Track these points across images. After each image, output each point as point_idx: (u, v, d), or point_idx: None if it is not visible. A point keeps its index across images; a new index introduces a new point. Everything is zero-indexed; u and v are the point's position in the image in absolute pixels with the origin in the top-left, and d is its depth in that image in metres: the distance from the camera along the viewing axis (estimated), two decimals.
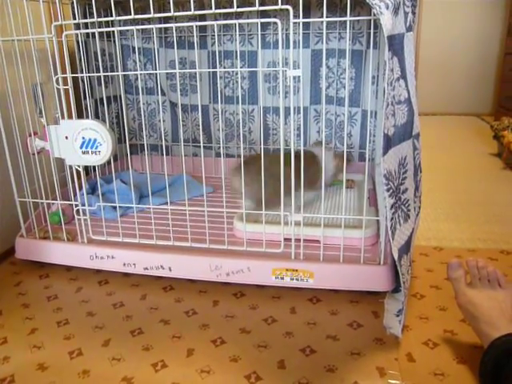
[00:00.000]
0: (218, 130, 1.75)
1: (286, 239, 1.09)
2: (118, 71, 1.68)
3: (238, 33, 0.96)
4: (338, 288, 1.08)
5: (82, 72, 1.46)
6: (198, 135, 1.76)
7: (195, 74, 1.68)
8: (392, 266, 1.04)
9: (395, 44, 0.82)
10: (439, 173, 2.09)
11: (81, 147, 1.09)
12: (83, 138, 1.08)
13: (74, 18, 1.44)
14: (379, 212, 1.26)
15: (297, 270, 1.06)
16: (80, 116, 1.46)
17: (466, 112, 3.74)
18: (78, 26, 1.38)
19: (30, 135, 1.17)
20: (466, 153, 2.49)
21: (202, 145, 1.11)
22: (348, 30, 0.91)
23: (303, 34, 1.54)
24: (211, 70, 1.67)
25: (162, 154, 1.81)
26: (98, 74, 1.13)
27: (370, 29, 1.51)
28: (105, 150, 1.08)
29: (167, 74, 1.72)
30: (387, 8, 0.78)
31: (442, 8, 3.63)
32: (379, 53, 1.52)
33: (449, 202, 1.72)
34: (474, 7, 3.59)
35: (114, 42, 1.67)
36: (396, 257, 0.91)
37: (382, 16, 0.77)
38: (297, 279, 1.06)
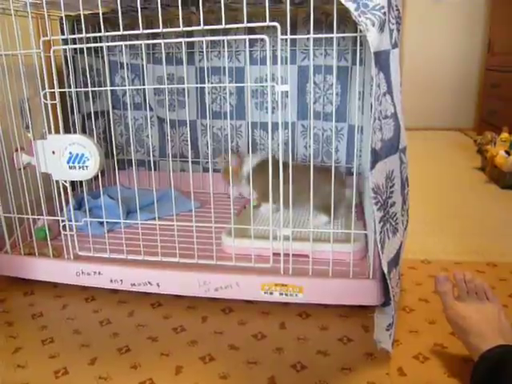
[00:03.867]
0: (206, 144, 1.75)
1: (274, 254, 1.08)
2: (105, 86, 1.68)
3: (226, 49, 0.96)
4: (328, 303, 1.08)
5: (69, 87, 1.46)
6: (186, 150, 1.76)
7: (183, 89, 1.68)
8: (381, 280, 1.04)
9: (381, 60, 0.83)
10: (424, 187, 2.12)
11: (68, 162, 1.08)
12: (70, 152, 1.07)
13: (63, 34, 1.44)
14: (367, 226, 1.27)
15: (286, 285, 1.05)
16: (67, 131, 1.45)
17: (449, 127, 3.80)
18: (65, 42, 1.38)
19: (17, 150, 1.16)
20: (449, 167, 2.52)
21: (190, 160, 1.11)
22: (335, 47, 0.93)
23: (291, 50, 1.55)
24: (200, 85, 1.68)
25: (150, 169, 1.80)
26: (86, 89, 1.13)
27: (355, 46, 1.53)
28: (92, 165, 1.07)
29: (155, 89, 1.72)
30: (373, 25, 0.79)
31: (423, 23, 3.71)
32: (364, 69, 1.54)
33: (434, 215, 1.74)
34: (455, 23, 3.67)
35: (102, 57, 1.67)
36: (386, 270, 0.91)
37: (369, 33, 0.78)
38: (286, 294, 1.06)
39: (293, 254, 1.07)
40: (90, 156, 1.07)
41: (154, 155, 1.81)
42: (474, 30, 3.65)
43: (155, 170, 1.81)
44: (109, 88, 1.07)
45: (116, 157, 1.83)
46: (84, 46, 1.02)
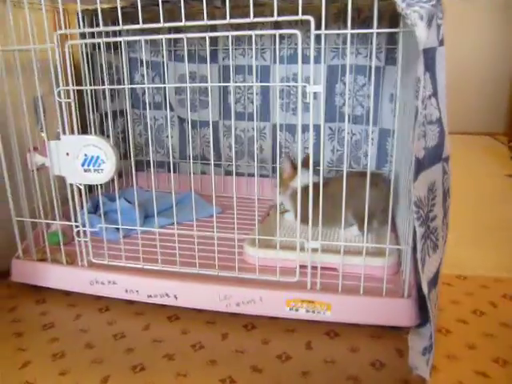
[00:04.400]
0: (228, 147, 1.68)
1: (301, 266, 1.00)
2: (124, 84, 1.62)
3: (253, 45, 0.89)
4: (358, 322, 0.99)
5: (87, 85, 1.40)
6: (207, 152, 1.69)
7: (205, 88, 1.61)
8: (416, 299, 0.95)
9: (428, 59, 0.75)
10: (456, 195, 2.00)
11: (82, 165, 1.02)
12: (85, 154, 1.01)
13: (79, 28, 1.38)
14: (399, 239, 1.18)
15: (313, 302, 0.98)
16: (84, 131, 1.40)
17: (477, 131, 3.66)
18: (83, 37, 1.32)
19: (30, 150, 1.10)
20: (482, 174, 2.40)
21: (212, 162, 1.04)
22: (374, 44, 0.84)
23: (318, 48, 1.47)
24: (224, 84, 1.61)
25: (169, 171, 1.74)
26: (103, 87, 1.06)
27: (388, 44, 1.44)
28: (108, 168, 1.01)
29: (176, 88, 1.65)
30: (421, 19, 0.71)
31: (451, 22, 3.57)
32: (398, 69, 1.45)
33: (470, 225, 1.63)
34: (486, 23, 3.53)
35: (122, 54, 1.61)
36: (426, 291, 0.83)
37: (417, 27, 0.70)
38: (313, 311, 0.98)
39: (321, 267, 0.99)
40: (105, 159, 1.00)
41: (173, 157, 1.75)
42: (506, 30, 3.50)
43: (175, 172, 1.74)
44: (126, 86, 1.00)
45: (134, 158, 1.77)
46: (102, 40, 0.95)
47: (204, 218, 1.40)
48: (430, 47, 0.76)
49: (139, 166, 1.76)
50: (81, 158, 1.02)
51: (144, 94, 1.69)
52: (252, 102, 1.61)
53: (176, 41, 1.60)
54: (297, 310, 0.98)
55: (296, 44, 1.50)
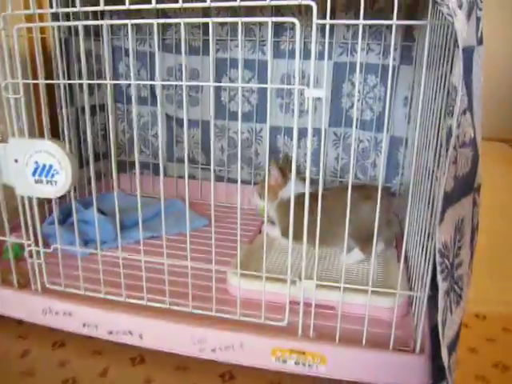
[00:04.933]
0: (220, 149, 1.50)
1: (291, 302, 0.83)
2: (105, 76, 1.44)
3: (240, 34, 0.71)
4: (358, 380, 0.82)
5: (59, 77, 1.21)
6: (197, 154, 1.52)
7: (195, 85, 1.44)
8: (430, 355, 0.78)
9: (465, 60, 0.57)
10: None
11: (33, 174, 0.84)
12: (36, 162, 0.84)
13: (51, 7, 1.20)
14: (411, 270, 1.00)
15: (304, 353, 0.80)
16: (55, 132, 1.22)
17: (489, 137, 3.44)
18: (57, 19, 1.13)
19: None
20: (499, 186, 2.21)
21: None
22: (393, 37, 0.66)
23: (324, 43, 1.29)
24: (223, 84, 1.42)
25: (155, 174, 1.57)
26: (58, 82, 0.88)
27: (405, 41, 1.26)
28: (63, 179, 0.83)
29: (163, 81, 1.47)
30: (460, 7, 0.53)
31: None
32: (415, 70, 1.27)
33: (489, 249, 1.45)
34: (502, 24, 3.33)
35: (103, 41, 1.43)
36: (445, 356, 0.65)
37: (456, 18, 0.51)
38: (303, 364, 0.80)
39: (315, 305, 0.81)
40: (59, 168, 0.83)
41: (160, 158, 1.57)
42: None
43: (159, 174, 1.56)
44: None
45: (117, 158, 1.60)
46: (79, 23, 0.78)
47: (190, 232, 1.22)
48: (468, 46, 0.58)
49: (122, 167, 1.59)
50: (31, 167, 0.84)
51: (129, 87, 1.51)
52: (248, 101, 1.43)
53: (165, 28, 1.41)
54: (284, 362, 0.81)
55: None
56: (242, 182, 1.47)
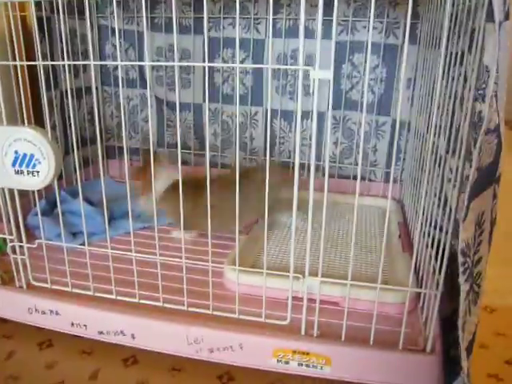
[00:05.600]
0: (213, 134, 1.43)
1: (293, 298, 0.78)
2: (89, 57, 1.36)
3: (238, 10, 0.64)
4: (364, 382, 0.77)
5: (43, 57, 1.14)
6: (189, 139, 1.45)
7: (186, 66, 1.36)
8: (442, 355, 0.73)
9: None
10: None
11: (13, 165, 0.78)
12: (16, 152, 0.77)
13: None
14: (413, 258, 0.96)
15: (308, 354, 0.75)
16: (38, 116, 1.14)
17: None
18: None
19: None
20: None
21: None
22: (410, 7, 0.59)
23: (324, 21, 1.21)
24: (220, 65, 1.35)
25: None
26: (37, 63, 0.81)
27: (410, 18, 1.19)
28: (45, 170, 0.77)
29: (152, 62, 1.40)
30: None
31: None
32: (419, 49, 1.21)
33: (498, 237, 1.40)
34: None
35: (90, 21, 1.36)
36: (464, 360, 0.61)
37: None
38: (307, 365, 0.76)
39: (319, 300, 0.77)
40: (41, 158, 0.76)
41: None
42: None
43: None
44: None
45: (105, 143, 1.53)
46: None
47: None
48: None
49: (110, 153, 1.52)
50: (10, 156, 0.77)
51: (116, 68, 1.43)
52: (243, 83, 1.36)
53: (153, 6, 1.33)
54: (286, 363, 0.76)
55: (296, 14, 1.24)
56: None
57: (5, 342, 0.89)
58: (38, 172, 0.77)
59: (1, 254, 0.99)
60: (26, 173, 0.78)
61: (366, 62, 1.27)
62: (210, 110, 1.40)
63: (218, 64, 1.37)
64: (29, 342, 0.89)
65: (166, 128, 1.46)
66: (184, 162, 1.46)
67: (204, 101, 1.40)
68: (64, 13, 1.24)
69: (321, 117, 1.30)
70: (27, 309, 0.87)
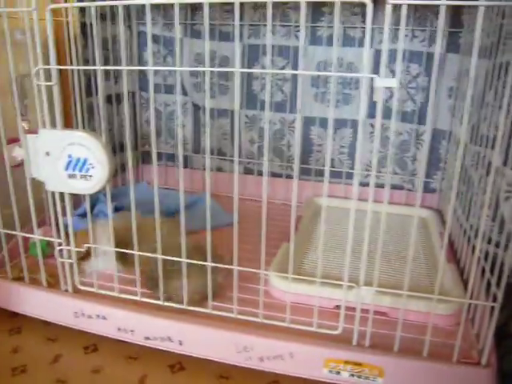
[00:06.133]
0: (250, 141, 1.43)
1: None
2: (128, 62, 1.38)
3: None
4: None
5: (86, 63, 1.15)
6: (224, 146, 1.45)
7: (225, 72, 1.37)
8: (496, 368, 0.72)
9: None
10: None
11: (66, 168, 0.78)
12: (69, 155, 0.77)
13: None
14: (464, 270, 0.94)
15: (360, 364, 0.74)
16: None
17: None
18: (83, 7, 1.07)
19: (10, 142, 0.87)
20: None
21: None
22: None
23: (364, 29, 1.21)
24: (258, 70, 1.35)
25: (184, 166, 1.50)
26: (94, 68, 0.82)
27: (452, 27, 1.19)
28: (98, 174, 0.77)
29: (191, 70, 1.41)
30: None
31: None
32: (462, 58, 1.19)
33: None
34: None
35: (129, 26, 1.37)
36: None
37: None
38: (359, 376, 0.74)
39: (367, 310, 0.75)
40: (95, 162, 0.76)
41: (186, 149, 1.50)
42: None
43: (186, 167, 1.50)
44: (124, 68, 0.77)
45: (142, 149, 1.54)
46: (94, 4, 0.71)
47: (218, 228, 1.16)
48: None
49: (147, 159, 1.53)
50: (64, 160, 0.78)
51: (154, 74, 1.43)
52: (281, 90, 1.36)
53: (193, 13, 1.34)
54: (338, 373, 0.75)
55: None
56: (274, 175, 1.42)
57: (50, 344, 0.89)
58: (90, 176, 0.77)
59: (44, 258, 0.99)
60: (78, 177, 0.78)
61: (398, 69, 1.26)
62: (247, 116, 1.40)
63: (250, 70, 1.37)
64: (74, 346, 0.89)
65: (202, 134, 1.46)
66: (219, 169, 1.46)
67: (241, 107, 1.40)
68: (105, 19, 1.25)
69: (355, 125, 1.29)
70: (73, 313, 0.87)
